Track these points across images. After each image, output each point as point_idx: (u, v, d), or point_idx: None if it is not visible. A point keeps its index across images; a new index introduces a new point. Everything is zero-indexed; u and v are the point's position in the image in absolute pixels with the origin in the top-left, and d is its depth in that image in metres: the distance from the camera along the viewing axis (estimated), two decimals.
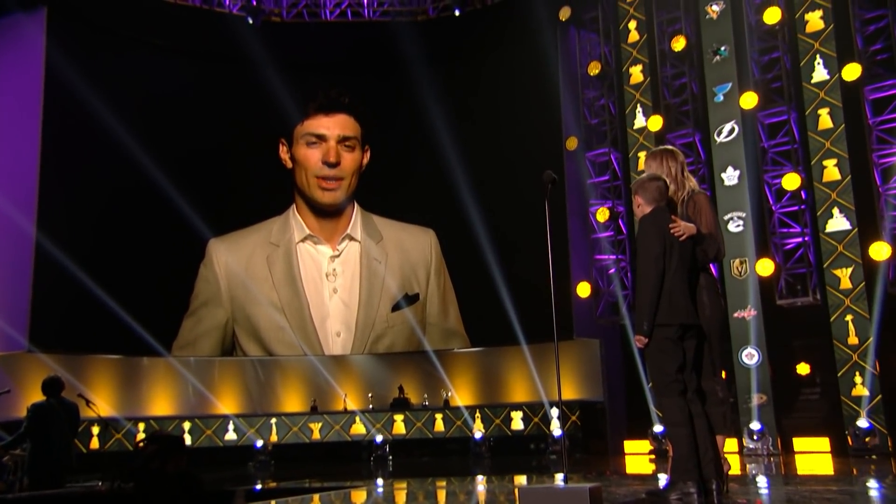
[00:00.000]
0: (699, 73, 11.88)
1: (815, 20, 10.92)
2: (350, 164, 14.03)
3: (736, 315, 10.83)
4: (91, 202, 12.78)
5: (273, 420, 13.13)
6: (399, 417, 13.15)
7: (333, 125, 13.97)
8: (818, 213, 10.62)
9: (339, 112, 13.99)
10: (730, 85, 11.38)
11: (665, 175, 4.95)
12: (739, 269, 10.90)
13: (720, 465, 4.57)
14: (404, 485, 8.47)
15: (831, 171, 10.55)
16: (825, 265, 10.49)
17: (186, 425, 12.80)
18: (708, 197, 5.09)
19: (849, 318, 10.25)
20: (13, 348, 11.70)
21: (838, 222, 10.44)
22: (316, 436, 13.07)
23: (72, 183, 12.64)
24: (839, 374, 10.27)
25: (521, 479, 8.30)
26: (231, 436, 12.92)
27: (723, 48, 11.44)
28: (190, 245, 13.41)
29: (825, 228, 10.53)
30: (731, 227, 11.01)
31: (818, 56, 10.78)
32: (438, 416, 13.16)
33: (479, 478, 9.05)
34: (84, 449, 11.82)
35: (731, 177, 11.19)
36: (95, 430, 12.06)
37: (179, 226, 12.85)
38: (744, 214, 11.01)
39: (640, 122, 12.35)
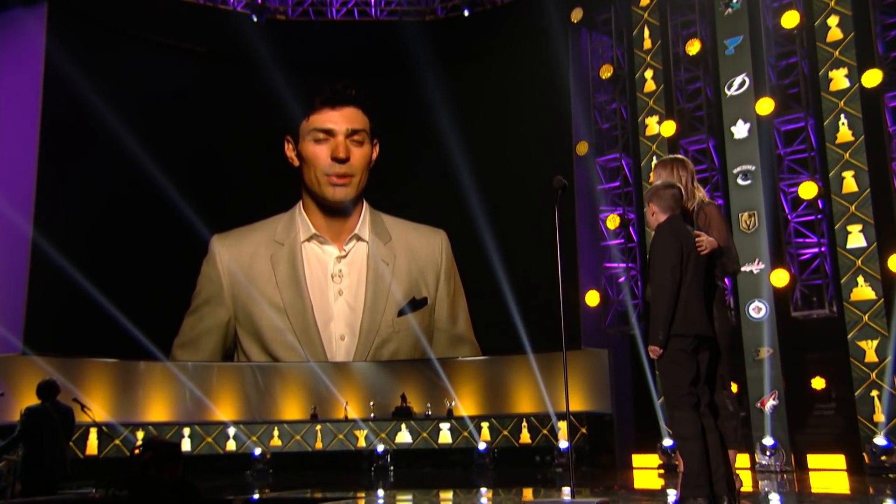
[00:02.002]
0: (714, 77, 11.63)
1: (834, 25, 10.62)
2: (360, 158, 13.83)
3: (744, 269, 10.58)
4: (89, 202, 12.61)
5: (272, 427, 12.89)
6: (401, 426, 12.90)
7: (341, 119, 13.78)
8: (836, 226, 10.29)
9: (346, 105, 13.82)
10: (741, 38, 11.19)
11: None
12: (748, 222, 10.72)
13: (732, 482, 4.47)
14: (406, 496, 8.39)
15: (849, 181, 10.24)
16: (849, 336, 10.06)
17: (185, 431, 12.57)
18: (719, 208, 4.98)
19: (874, 393, 9.76)
20: (7, 350, 11.51)
21: (864, 291, 10.02)
22: (316, 444, 12.84)
23: (70, 182, 12.47)
24: (862, 453, 9.79)
25: (526, 493, 8.14)
26: (229, 443, 12.70)
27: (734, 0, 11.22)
28: (190, 247, 13.23)
29: (850, 297, 10.10)
30: (740, 181, 10.90)
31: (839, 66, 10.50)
32: (442, 426, 12.89)
33: (483, 490, 8.95)
34: (84, 454, 11.67)
35: (740, 130, 11.03)
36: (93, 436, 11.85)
37: (179, 227, 12.70)
38: (753, 168, 10.83)
39: (652, 127, 12.07)
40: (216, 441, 12.66)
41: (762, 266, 10.57)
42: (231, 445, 12.67)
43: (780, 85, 11.09)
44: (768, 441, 10.27)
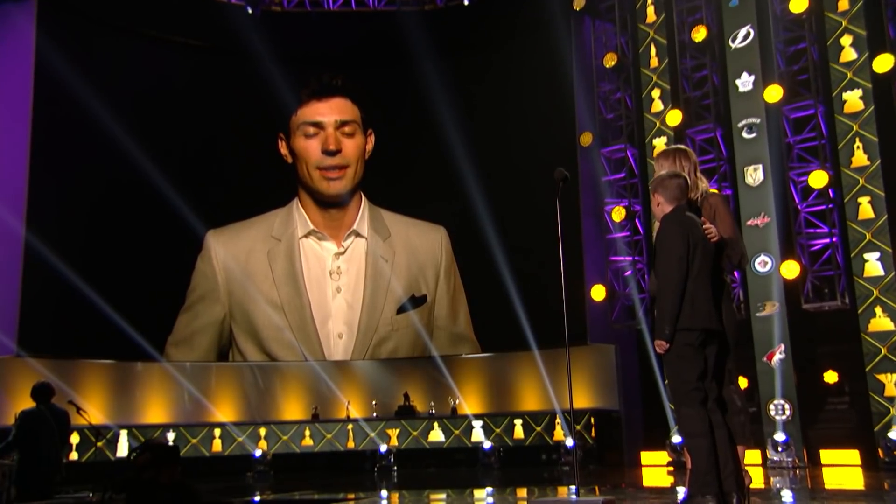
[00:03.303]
0: (721, 64, 11.40)
1: (844, 7, 10.38)
2: (352, 150, 13.63)
3: (749, 223, 10.43)
4: (83, 200, 12.47)
5: (273, 428, 12.71)
6: (404, 426, 12.73)
7: (329, 110, 13.58)
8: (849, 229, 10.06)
9: (334, 96, 13.62)
10: None
11: None
12: (753, 176, 10.58)
13: (741, 479, 4.41)
14: (410, 497, 8.28)
15: (865, 207, 9.97)
16: (867, 369, 9.71)
17: (216, 432, 12.45)
18: (725, 199, 4.88)
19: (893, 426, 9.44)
20: (1, 353, 11.37)
21: (882, 322, 9.66)
22: (317, 445, 12.66)
23: (63, 179, 12.31)
24: (877, 448, 9.46)
25: (531, 492, 7.99)
26: (229, 444, 12.51)
27: None
28: (186, 245, 13.08)
29: (867, 328, 9.78)
30: (745, 135, 10.82)
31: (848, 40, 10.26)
32: (445, 425, 12.72)
33: (489, 490, 8.82)
34: (115, 456, 11.59)
35: (745, 83, 10.91)
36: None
37: (175, 225, 12.53)
38: (757, 121, 10.71)
39: (660, 146, 11.76)
40: (215, 442, 12.46)
41: (768, 220, 10.40)
42: (230, 447, 12.48)
43: (789, 71, 10.87)
44: (780, 436, 10.07)
